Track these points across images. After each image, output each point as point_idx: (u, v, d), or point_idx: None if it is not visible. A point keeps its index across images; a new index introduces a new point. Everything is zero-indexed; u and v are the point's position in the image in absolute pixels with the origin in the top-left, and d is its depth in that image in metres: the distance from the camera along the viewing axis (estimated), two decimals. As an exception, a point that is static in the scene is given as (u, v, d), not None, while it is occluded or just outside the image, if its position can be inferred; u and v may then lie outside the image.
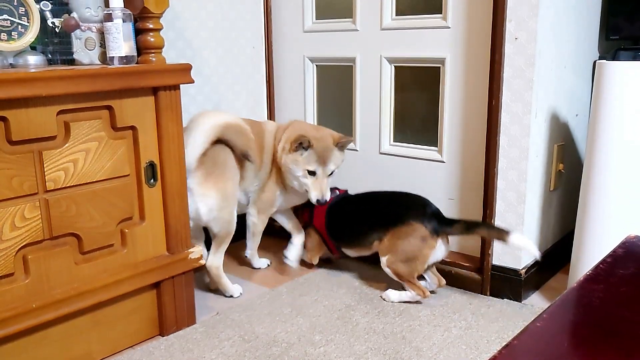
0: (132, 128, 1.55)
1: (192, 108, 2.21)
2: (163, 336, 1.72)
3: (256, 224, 2.10)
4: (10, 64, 1.53)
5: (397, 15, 2.14)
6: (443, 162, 2.09)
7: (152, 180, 1.61)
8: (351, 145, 2.33)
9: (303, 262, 2.23)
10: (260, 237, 2.14)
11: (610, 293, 0.74)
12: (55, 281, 1.44)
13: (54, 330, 1.49)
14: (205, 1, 2.22)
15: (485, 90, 1.90)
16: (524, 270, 1.90)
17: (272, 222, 2.18)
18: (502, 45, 1.79)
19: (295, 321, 1.80)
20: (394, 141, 2.25)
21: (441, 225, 1.86)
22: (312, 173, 1.92)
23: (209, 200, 1.82)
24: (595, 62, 2.04)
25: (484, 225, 1.90)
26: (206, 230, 2.00)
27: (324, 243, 2.15)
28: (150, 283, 1.65)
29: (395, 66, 2.18)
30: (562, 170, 2.04)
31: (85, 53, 1.65)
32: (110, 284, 1.54)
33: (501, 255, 1.93)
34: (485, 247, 1.94)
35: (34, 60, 1.55)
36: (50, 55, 1.66)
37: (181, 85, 1.64)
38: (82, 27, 1.62)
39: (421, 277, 1.94)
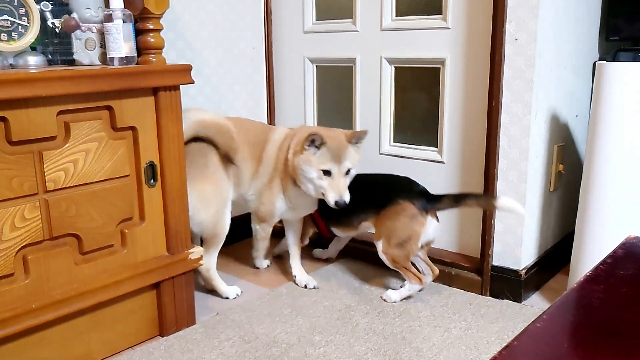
0: (132, 128, 1.55)
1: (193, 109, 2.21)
2: (163, 337, 1.72)
3: (258, 231, 2.08)
4: (11, 64, 1.53)
5: (397, 16, 2.14)
6: (443, 162, 2.09)
7: (152, 181, 1.61)
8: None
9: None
10: (267, 242, 2.12)
11: (610, 294, 0.74)
12: (55, 281, 1.44)
13: (54, 331, 1.49)
14: (205, 2, 2.22)
15: (485, 91, 1.90)
16: (524, 271, 1.90)
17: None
18: (502, 46, 1.79)
19: (295, 322, 1.79)
20: (394, 142, 2.25)
21: (429, 202, 1.87)
22: (327, 173, 1.79)
23: None
24: (595, 63, 2.04)
25: (471, 196, 1.89)
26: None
27: (314, 223, 2.16)
28: (150, 283, 1.65)
29: (395, 67, 2.18)
30: (562, 171, 2.04)
31: (85, 53, 1.65)
32: (110, 284, 1.54)
33: (501, 256, 1.93)
34: (485, 247, 1.94)
35: (34, 60, 1.55)
36: (50, 56, 1.66)
37: (181, 86, 1.64)
38: (83, 28, 1.62)
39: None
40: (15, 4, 1.50)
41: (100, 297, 1.53)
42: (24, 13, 1.52)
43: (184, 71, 1.62)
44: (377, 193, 1.94)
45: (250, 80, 2.46)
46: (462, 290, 2.00)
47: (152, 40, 1.61)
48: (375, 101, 2.24)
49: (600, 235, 1.75)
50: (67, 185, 1.43)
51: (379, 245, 1.90)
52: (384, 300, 1.92)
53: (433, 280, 2.05)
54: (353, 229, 2.03)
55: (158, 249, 1.66)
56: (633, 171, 1.68)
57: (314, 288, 2.02)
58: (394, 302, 1.90)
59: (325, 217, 2.09)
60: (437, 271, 1.98)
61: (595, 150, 1.73)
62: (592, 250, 1.77)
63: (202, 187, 1.82)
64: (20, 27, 1.52)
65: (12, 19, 1.50)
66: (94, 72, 1.43)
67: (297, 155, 1.83)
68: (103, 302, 1.55)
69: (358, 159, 1.86)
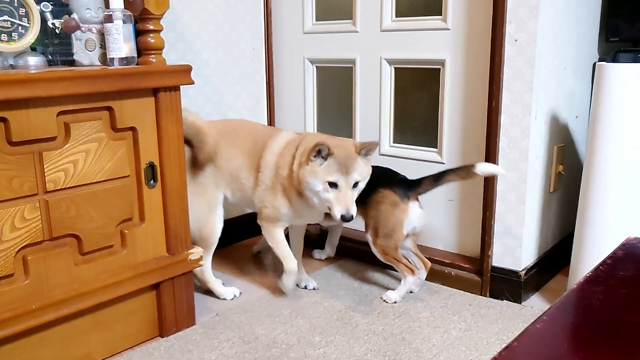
0: (132, 129, 1.55)
1: (193, 109, 2.21)
2: (163, 337, 1.72)
3: (266, 238, 1.95)
4: (11, 65, 1.53)
5: (397, 16, 2.14)
6: (443, 163, 2.09)
7: (152, 181, 1.61)
8: (351, 147, 2.33)
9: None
10: (284, 245, 1.92)
11: (610, 295, 0.74)
12: (55, 282, 1.44)
13: (54, 331, 1.48)
14: (205, 2, 2.22)
15: (485, 91, 1.90)
16: (523, 272, 1.90)
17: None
18: (502, 47, 1.79)
19: (295, 322, 1.79)
20: (394, 142, 2.25)
21: (410, 188, 1.88)
22: (333, 185, 1.68)
23: None
24: (595, 63, 2.04)
25: (449, 171, 1.87)
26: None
27: None
28: (150, 284, 1.65)
29: (395, 67, 2.18)
30: (562, 171, 2.04)
31: (85, 54, 1.65)
32: (110, 285, 1.54)
33: (501, 257, 1.93)
34: (485, 248, 1.94)
35: (34, 61, 1.55)
36: (50, 56, 1.66)
37: (181, 87, 1.64)
38: (83, 28, 1.62)
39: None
40: (16, 4, 1.50)
41: (100, 298, 1.53)
42: (24, 14, 1.52)
43: (184, 72, 1.62)
44: None
45: (250, 81, 2.46)
46: (462, 291, 2.00)
47: (152, 40, 1.61)
48: (375, 102, 2.24)
49: (600, 236, 1.75)
50: (67, 186, 1.43)
51: (369, 238, 1.92)
52: (385, 301, 1.92)
53: (433, 281, 2.05)
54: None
55: (158, 250, 1.66)
56: (633, 172, 1.68)
57: (313, 289, 2.02)
58: (395, 302, 1.91)
59: None
60: (429, 264, 1.99)
61: (595, 151, 1.73)
62: (592, 251, 1.77)
63: None
64: (20, 27, 1.52)
65: (12, 20, 1.50)
66: (94, 72, 1.43)
67: (303, 167, 1.72)
68: (103, 303, 1.55)
69: (368, 172, 1.75)
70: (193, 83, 1.66)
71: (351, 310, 1.87)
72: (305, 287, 2.03)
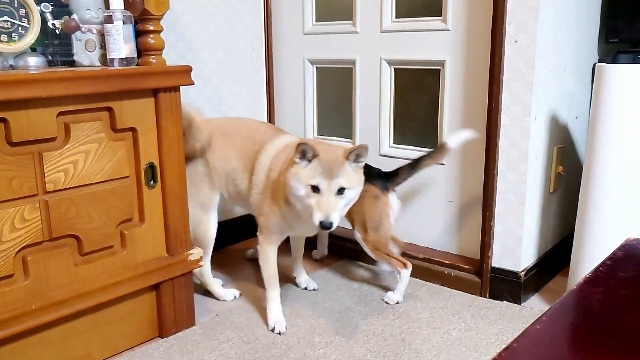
0: (132, 130, 1.55)
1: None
2: (162, 338, 1.72)
3: (259, 253, 1.82)
4: (11, 65, 1.53)
5: (397, 17, 2.14)
6: (443, 164, 2.09)
7: (152, 182, 1.61)
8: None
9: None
10: (272, 268, 1.80)
11: (610, 296, 0.74)
12: (54, 282, 1.44)
13: (54, 332, 1.48)
14: (205, 3, 2.22)
15: (485, 92, 1.90)
16: (523, 273, 1.90)
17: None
18: (501, 47, 1.80)
19: (294, 323, 1.79)
20: (394, 143, 2.25)
21: (388, 180, 1.90)
22: (316, 189, 1.54)
23: None
24: (594, 64, 2.04)
25: (424, 157, 1.90)
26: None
27: None
28: (149, 285, 1.65)
29: (395, 68, 2.18)
30: (561, 172, 2.04)
31: (85, 55, 1.65)
32: (110, 285, 1.54)
33: (501, 258, 1.93)
34: (485, 249, 1.94)
35: (34, 61, 1.55)
36: (50, 57, 1.66)
37: (181, 87, 1.64)
38: (83, 29, 1.62)
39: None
40: (16, 5, 1.50)
41: (100, 298, 1.53)
42: (24, 14, 1.52)
43: (184, 72, 1.62)
44: None
45: (250, 82, 2.46)
46: (462, 292, 2.00)
47: (152, 41, 1.61)
48: (375, 102, 2.24)
49: (600, 237, 1.75)
50: (67, 187, 1.43)
51: (357, 235, 1.93)
52: (387, 302, 1.92)
53: (433, 282, 2.05)
54: None
55: (158, 250, 1.66)
56: (633, 173, 1.68)
57: (313, 290, 2.02)
58: (397, 302, 1.91)
59: None
60: (402, 243, 2.03)
61: (594, 152, 1.73)
62: (592, 252, 1.77)
63: None
64: (20, 28, 1.52)
65: (12, 20, 1.50)
66: (94, 73, 1.43)
67: (288, 169, 1.61)
68: (103, 303, 1.55)
69: (357, 180, 1.59)
70: (193, 83, 1.66)
71: (351, 311, 1.87)
72: (306, 288, 2.03)
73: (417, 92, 2.18)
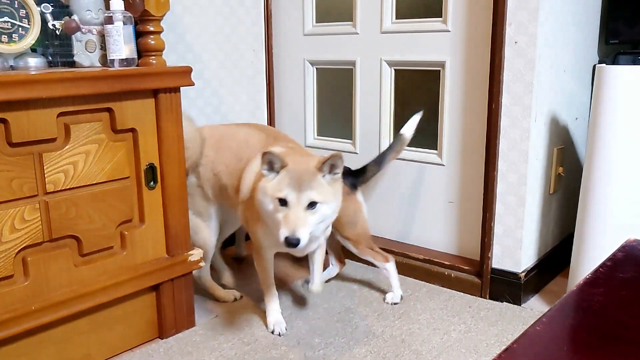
0: (132, 130, 1.56)
1: (193, 111, 2.21)
2: (162, 339, 1.72)
3: (254, 257, 1.78)
4: (11, 66, 1.53)
5: (397, 18, 2.14)
6: (443, 165, 2.09)
7: (152, 183, 1.61)
8: (351, 148, 2.33)
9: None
10: (267, 273, 1.76)
11: (610, 297, 0.74)
12: (54, 283, 1.44)
13: (53, 333, 1.48)
14: (205, 4, 2.22)
15: (485, 93, 1.90)
16: (523, 274, 1.90)
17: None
18: (502, 48, 1.80)
19: (294, 324, 1.79)
20: (394, 144, 2.25)
21: (357, 177, 1.92)
22: (284, 203, 1.42)
23: None
24: (594, 66, 2.05)
25: (387, 151, 1.96)
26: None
27: None
28: (149, 285, 1.65)
29: (395, 69, 2.19)
30: (561, 173, 2.04)
31: (85, 55, 1.65)
32: (110, 286, 1.54)
33: (501, 259, 1.93)
34: (485, 250, 1.94)
35: (34, 62, 1.55)
36: (50, 58, 1.66)
37: (181, 89, 1.64)
38: (83, 30, 1.62)
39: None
40: (16, 5, 1.50)
41: (100, 299, 1.53)
42: (24, 15, 1.52)
43: (184, 73, 1.62)
44: None
45: (250, 83, 2.46)
46: (462, 293, 2.00)
47: (152, 42, 1.61)
48: (375, 104, 2.25)
49: (600, 238, 1.75)
50: (67, 187, 1.43)
51: (337, 235, 1.94)
52: (393, 303, 1.92)
53: (432, 283, 2.06)
54: None
55: (158, 251, 1.66)
56: (633, 174, 1.68)
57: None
58: (396, 303, 1.91)
59: None
60: (344, 263, 2.09)
61: (595, 153, 1.73)
62: (592, 253, 1.77)
63: None
64: (20, 29, 1.52)
65: (12, 21, 1.50)
66: (94, 74, 1.43)
67: (257, 184, 1.48)
68: (102, 304, 1.55)
69: (332, 194, 1.44)
70: (193, 84, 1.66)
71: (351, 312, 1.87)
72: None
73: (417, 93, 2.18)
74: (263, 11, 2.45)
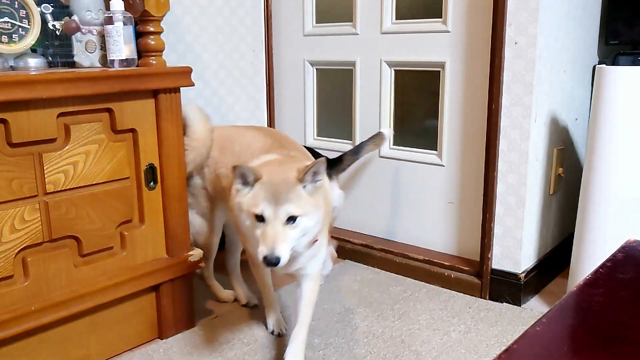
0: (132, 131, 1.56)
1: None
2: (162, 339, 1.72)
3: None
4: (11, 66, 1.53)
5: (397, 19, 2.14)
6: (443, 165, 2.09)
7: (152, 183, 1.61)
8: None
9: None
10: (265, 279, 1.76)
11: (610, 297, 0.74)
12: (54, 283, 1.44)
13: (53, 333, 1.48)
14: (206, 5, 2.22)
15: (485, 94, 1.90)
16: (523, 275, 1.90)
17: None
18: (501, 49, 1.80)
19: (294, 324, 1.79)
20: (394, 145, 2.25)
21: (332, 167, 1.92)
22: (260, 219, 1.29)
23: None
24: (594, 66, 2.05)
25: (366, 142, 2.02)
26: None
27: None
28: (149, 286, 1.65)
29: (395, 70, 2.19)
30: (561, 174, 2.04)
31: (85, 56, 1.65)
32: (110, 286, 1.54)
33: (501, 259, 1.93)
34: (485, 251, 1.94)
35: (34, 62, 1.55)
36: (50, 58, 1.66)
37: (181, 89, 1.64)
38: (83, 30, 1.62)
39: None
40: (16, 6, 1.50)
41: (100, 299, 1.53)
42: (24, 15, 1.52)
43: (184, 73, 1.62)
44: None
45: (250, 83, 2.46)
46: (462, 294, 2.00)
47: (152, 42, 1.61)
48: (375, 104, 2.25)
49: (600, 239, 1.75)
50: (67, 188, 1.43)
51: None
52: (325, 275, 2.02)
53: (432, 284, 2.05)
54: None
55: (157, 251, 1.66)
56: (633, 174, 1.68)
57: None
58: (327, 275, 2.01)
59: None
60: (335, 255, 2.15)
61: (595, 154, 1.73)
62: (592, 253, 1.77)
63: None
64: (20, 29, 1.52)
65: (12, 21, 1.50)
66: (94, 74, 1.43)
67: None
68: (102, 305, 1.55)
69: (313, 204, 1.32)
70: (193, 85, 1.66)
71: (350, 313, 1.87)
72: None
73: (417, 93, 2.18)
74: (263, 11, 2.45)
